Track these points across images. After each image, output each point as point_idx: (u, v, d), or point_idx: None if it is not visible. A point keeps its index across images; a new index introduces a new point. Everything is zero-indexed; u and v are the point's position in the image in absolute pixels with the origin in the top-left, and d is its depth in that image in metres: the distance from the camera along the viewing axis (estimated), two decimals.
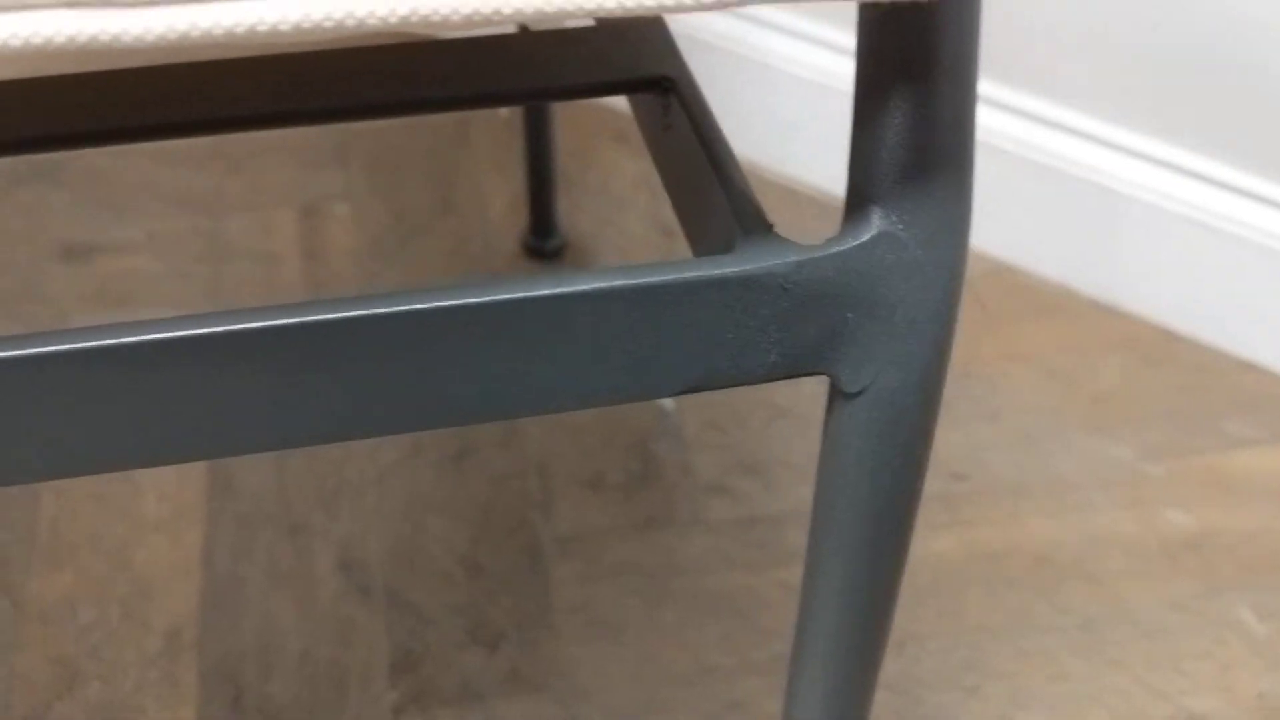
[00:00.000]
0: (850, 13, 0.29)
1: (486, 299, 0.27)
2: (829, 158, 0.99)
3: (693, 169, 0.30)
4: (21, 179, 1.00)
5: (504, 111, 1.07)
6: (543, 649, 0.71)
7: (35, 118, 0.38)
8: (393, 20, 0.25)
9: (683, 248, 0.96)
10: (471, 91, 0.33)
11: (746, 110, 1.03)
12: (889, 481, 0.29)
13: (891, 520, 0.29)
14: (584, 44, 0.35)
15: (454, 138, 1.06)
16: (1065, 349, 0.89)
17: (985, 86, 0.84)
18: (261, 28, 0.25)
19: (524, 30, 0.55)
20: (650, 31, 0.35)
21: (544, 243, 0.96)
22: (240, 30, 0.25)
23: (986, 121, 0.92)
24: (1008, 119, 0.93)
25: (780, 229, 0.30)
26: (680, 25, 0.57)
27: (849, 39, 0.96)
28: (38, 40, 0.25)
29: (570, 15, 0.24)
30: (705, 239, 0.31)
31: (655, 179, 1.03)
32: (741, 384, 0.28)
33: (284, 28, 0.25)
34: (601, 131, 1.06)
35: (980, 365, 0.87)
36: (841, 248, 0.27)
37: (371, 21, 0.25)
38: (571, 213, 0.99)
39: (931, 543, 0.77)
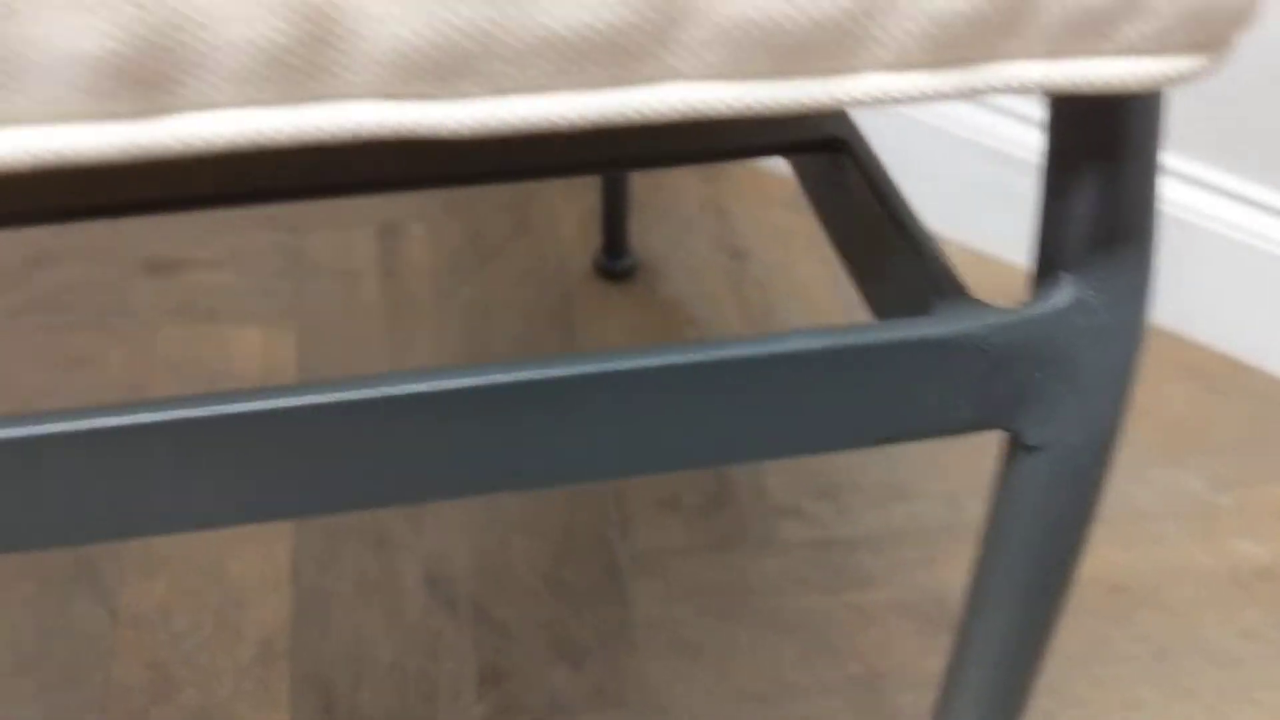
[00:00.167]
0: None
1: (699, 358, 0.29)
2: (985, 219, 1.01)
3: (871, 230, 0.32)
4: None
5: None
6: (625, 665, 0.72)
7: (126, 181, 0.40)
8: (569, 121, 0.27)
9: (755, 271, 0.98)
10: (640, 153, 0.35)
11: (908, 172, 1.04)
12: (1061, 530, 0.30)
13: (1059, 565, 0.31)
14: None
15: None
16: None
17: None
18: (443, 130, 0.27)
19: None
20: None
21: (616, 263, 0.98)
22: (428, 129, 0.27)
23: None
24: None
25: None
26: None
27: (1017, 104, 0.97)
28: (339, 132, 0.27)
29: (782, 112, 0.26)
30: (892, 300, 0.32)
31: (723, 202, 1.05)
32: (930, 437, 0.29)
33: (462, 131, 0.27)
34: None
35: None
36: (1037, 312, 0.29)
37: (553, 122, 0.27)
38: (642, 234, 1.01)
39: None
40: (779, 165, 1.10)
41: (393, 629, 0.74)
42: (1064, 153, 0.27)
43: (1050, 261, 0.29)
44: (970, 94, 0.26)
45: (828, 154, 0.35)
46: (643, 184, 1.06)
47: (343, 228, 1.00)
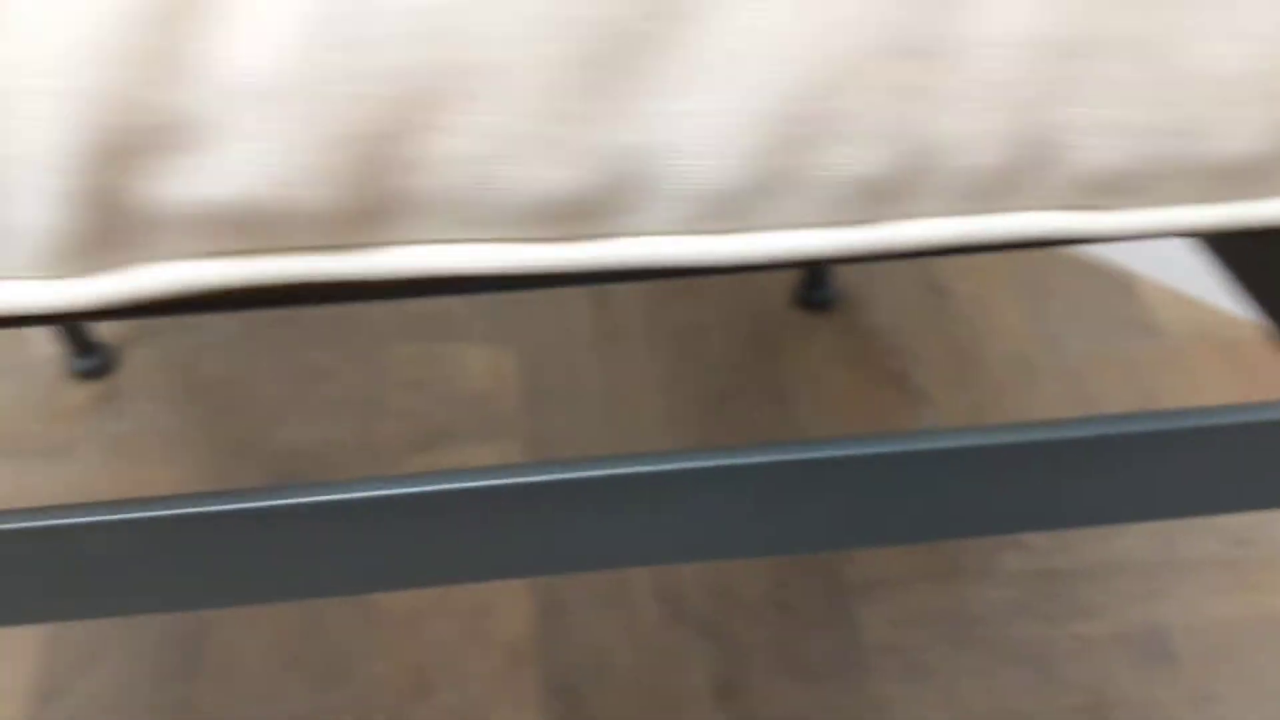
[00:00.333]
0: None
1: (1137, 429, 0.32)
2: (1186, 258, 1.03)
3: None
4: None
5: None
6: (858, 685, 0.75)
7: None
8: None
9: (955, 305, 1.00)
10: None
11: None
12: None
13: None
14: None
15: None
16: None
17: None
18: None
19: None
20: None
21: (816, 294, 1.01)
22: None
23: None
24: None
25: None
26: None
27: None
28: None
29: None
30: None
31: None
32: None
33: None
34: None
35: None
36: None
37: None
38: (841, 268, 1.04)
39: (1218, 606, 0.79)
40: None
41: (629, 640, 0.77)
42: None
43: None
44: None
45: None
46: None
47: None
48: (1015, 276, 1.03)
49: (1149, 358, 0.96)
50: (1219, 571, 0.81)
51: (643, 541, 0.37)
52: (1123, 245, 1.05)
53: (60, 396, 0.92)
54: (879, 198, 0.28)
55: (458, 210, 0.27)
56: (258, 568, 0.37)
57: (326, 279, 0.27)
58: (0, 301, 0.26)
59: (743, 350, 0.96)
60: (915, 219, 0.29)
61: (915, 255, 0.31)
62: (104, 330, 0.95)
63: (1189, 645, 0.77)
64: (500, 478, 0.36)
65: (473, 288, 0.35)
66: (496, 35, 0.24)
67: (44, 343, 0.95)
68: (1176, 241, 1.02)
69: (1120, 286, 1.02)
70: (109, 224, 0.25)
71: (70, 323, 0.94)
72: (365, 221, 0.26)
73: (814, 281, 1.01)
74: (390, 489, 0.35)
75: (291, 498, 0.35)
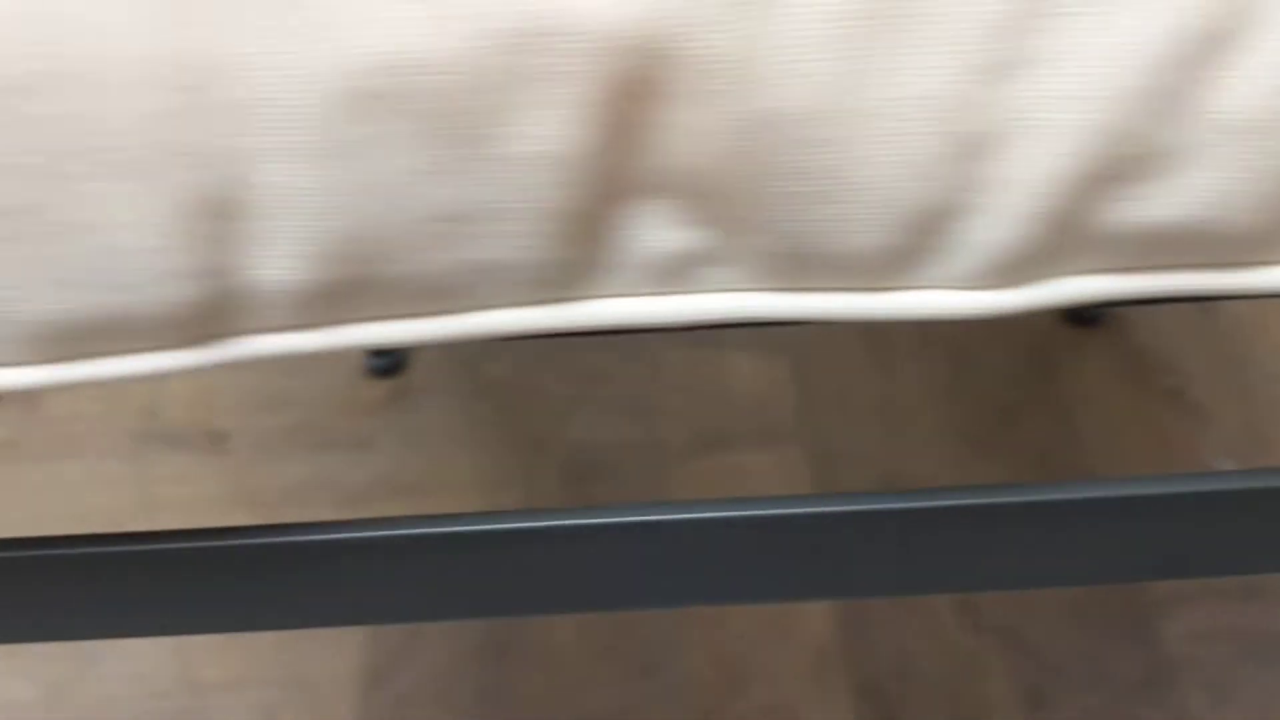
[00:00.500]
0: None
1: None
2: None
3: None
4: None
5: None
6: (1163, 699, 0.76)
7: None
8: None
9: (1222, 324, 1.00)
10: None
11: None
12: None
13: None
14: None
15: None
16: None
17: None
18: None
19: None
20: None
21: (1086, 310, 1.01)
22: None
23: None
24: None
25: None
26: None
27: None
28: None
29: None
30: None
31: None
32: None
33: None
34: None
35: None
36: None
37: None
38: None
39: None
40: None
41: (931, 646, 0.79)
42: None
43: None
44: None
45: None
46: None
47: None
48: None
49: None
50: None
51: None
52: None
53: (359, 392, 0.96)
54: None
55: None
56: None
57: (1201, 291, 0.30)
58: (934, 308, 0.29)
59: (1019, 365, 0.97)
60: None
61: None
62: None
63: None
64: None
65: None
66: None
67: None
68: None
69: None
70: (1058, 242, 0.27)
71: None
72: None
73: None
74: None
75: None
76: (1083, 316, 1.01)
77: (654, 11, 0.25)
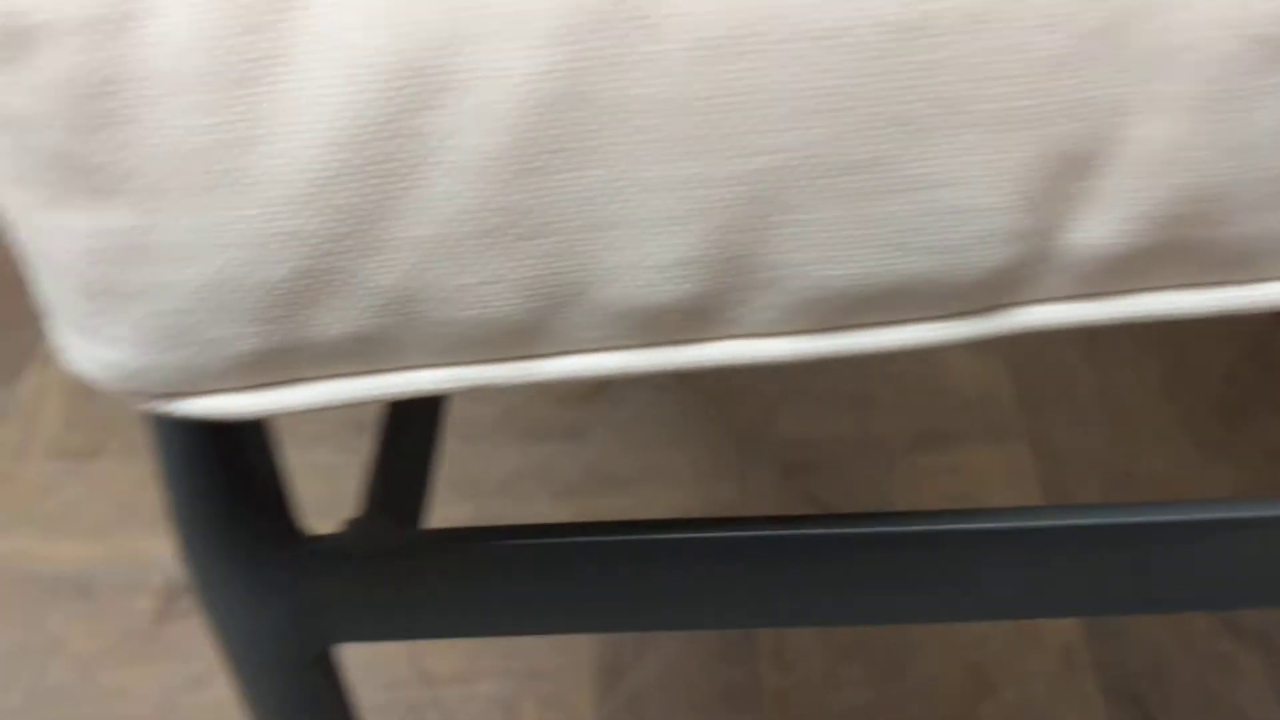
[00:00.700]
0: None
1: None
2: None
3: None
4: None
5: None
6: None
7: None
8: None
9: None
10: None
11: None
12: None
13: None
14: None
15: None
16: None
17: None
18: None
19: None
20: None
21: None
22: None
23: None
24: None
25: None
26: None
27: None
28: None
29: None
30: None
31: None
32: None
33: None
34: None
35: None
36: None
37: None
38: None
39: None
40: None
41: (1183, 648, 0.77)
42: None
43: None
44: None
45: None
46: None
47: None
48: None
49: None
50: None
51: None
52: None
53: (564, 384, 0.95)
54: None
55: None
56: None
57: None
58: None
59: (1238, 363, 0.94)
60: None
61: None
62: None
63: None
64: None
65: None
66: None
67: None
68: None
69: None
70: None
71: None
72: None
73: None
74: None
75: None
76: None
77: None
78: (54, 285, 0.26)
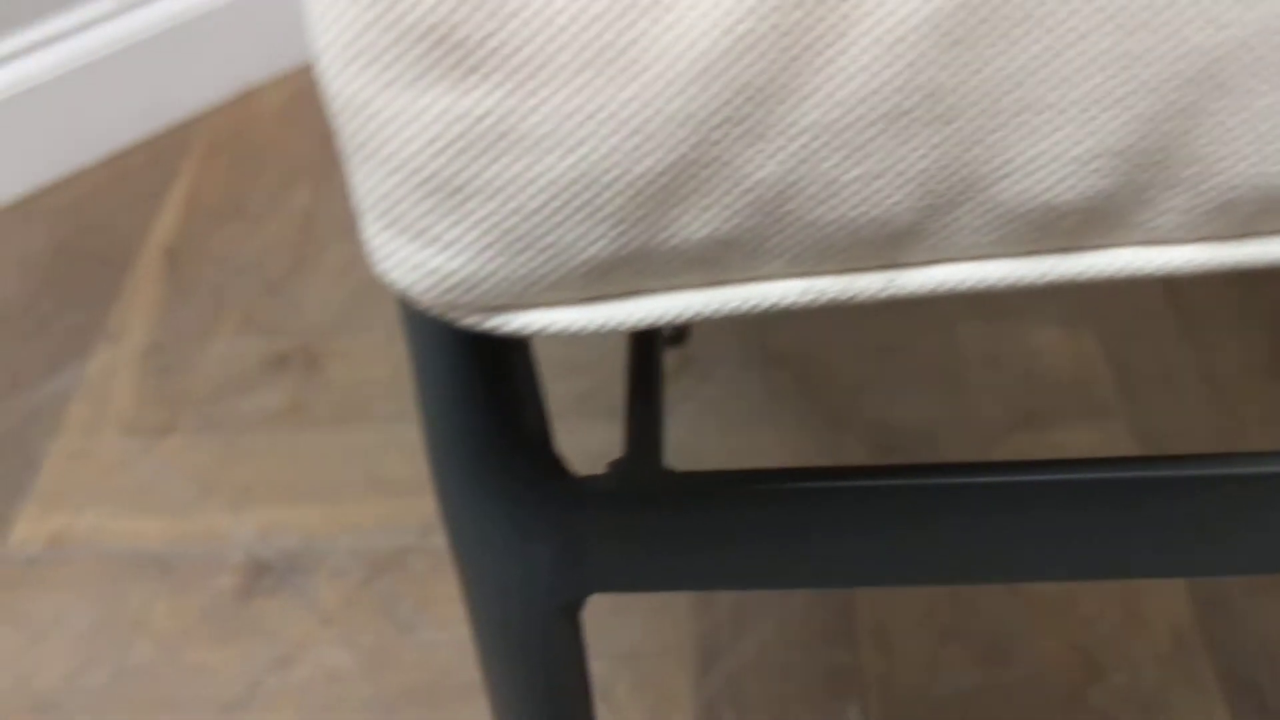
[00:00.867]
0: None
1: None
2: None
3: None
4: None
5: None
6: None
7: None
8: None
9: None
10: None
11: None
12: None
13: None
14: None
15: None
16: None
17: None
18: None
19: None
20: None
21: None
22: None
23: None
24: None
25: None
26: None
27: None
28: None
29: None
30: None
31: None
32: None
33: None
34: None
35: None
36: None
37: None
38: None
39: None
40: None
41: None
42: None
43: None
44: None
45: None
46: None
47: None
48: None
49: None
50: None
51: None
52: None
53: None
54: None
55: None
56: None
57: None
58: None
59: None
60: None
61: None
62: None
63: None
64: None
65: None
66: None
67: None
68: None
69: None
70: None
71: None
72: None
73: None
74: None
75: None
76: None
77: None
78: (387, 180, 0.23)
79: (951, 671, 0.74)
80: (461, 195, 0.23)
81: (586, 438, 0.88)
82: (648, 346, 0.40)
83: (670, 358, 0.94)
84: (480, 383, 0.27)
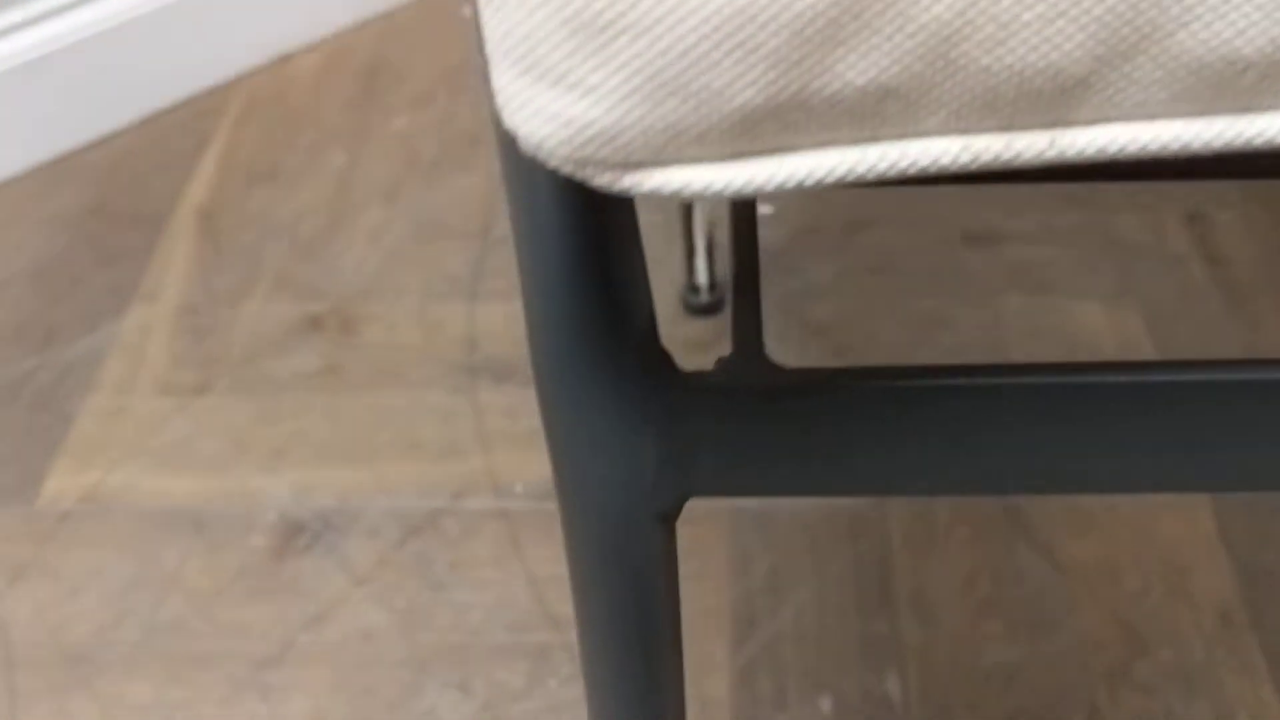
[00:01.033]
0: None
1: None
2: None
3: None
4: None
5: None
6: None
7: None
8: None
9: None
10: None
11: None
12: None
13: None
14: None
15: None
16: None
17: None
18: None
19: None
20: None
21: None
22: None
23: None
24: None
25: None
26: None
27: None
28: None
29: None
30: None
31: None
32: None
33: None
34: None
35: None
36: None
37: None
38: None
39: None
40: None
41: None
42: None
43: None
44: None
45: None
46: None
47: (1148, 211, 1.00)
48: None
49: None
50: None
51: None
52: None
53: (681, 330, 0.93)
54: None
55: None
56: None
57: None
58: None
59: None
60: None
61: None
62: (721, 269, 0.95)
63: None
64: None
65: None
66: None
67: (668, 278, 0.96)
68: None
69: None
70: None
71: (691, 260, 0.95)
72: None
73: None
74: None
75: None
76: None
77: None
78: (529, 19, 0.22)
79: (993, 644, 0.73)
80: (610, 33, 0.22)
81: None
82: (748, 242, 0.39)
83: (706, 328, 0.93)
84: (593, 264, 0.26)
